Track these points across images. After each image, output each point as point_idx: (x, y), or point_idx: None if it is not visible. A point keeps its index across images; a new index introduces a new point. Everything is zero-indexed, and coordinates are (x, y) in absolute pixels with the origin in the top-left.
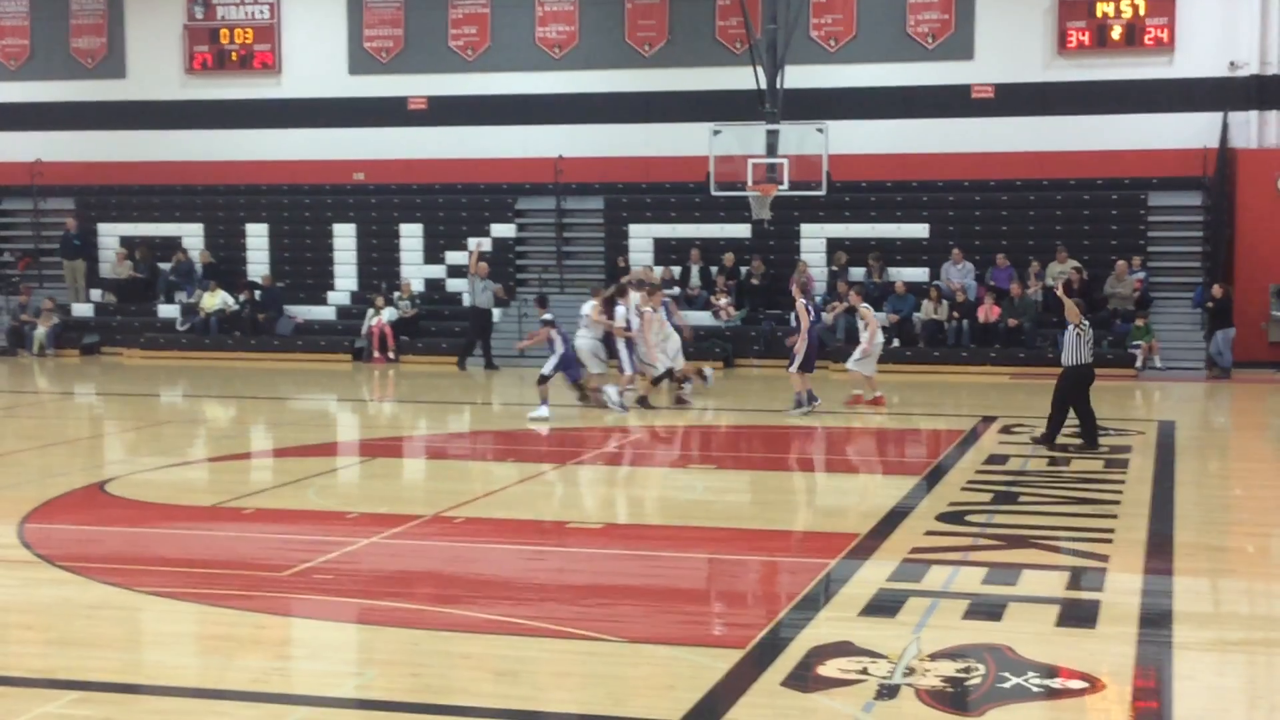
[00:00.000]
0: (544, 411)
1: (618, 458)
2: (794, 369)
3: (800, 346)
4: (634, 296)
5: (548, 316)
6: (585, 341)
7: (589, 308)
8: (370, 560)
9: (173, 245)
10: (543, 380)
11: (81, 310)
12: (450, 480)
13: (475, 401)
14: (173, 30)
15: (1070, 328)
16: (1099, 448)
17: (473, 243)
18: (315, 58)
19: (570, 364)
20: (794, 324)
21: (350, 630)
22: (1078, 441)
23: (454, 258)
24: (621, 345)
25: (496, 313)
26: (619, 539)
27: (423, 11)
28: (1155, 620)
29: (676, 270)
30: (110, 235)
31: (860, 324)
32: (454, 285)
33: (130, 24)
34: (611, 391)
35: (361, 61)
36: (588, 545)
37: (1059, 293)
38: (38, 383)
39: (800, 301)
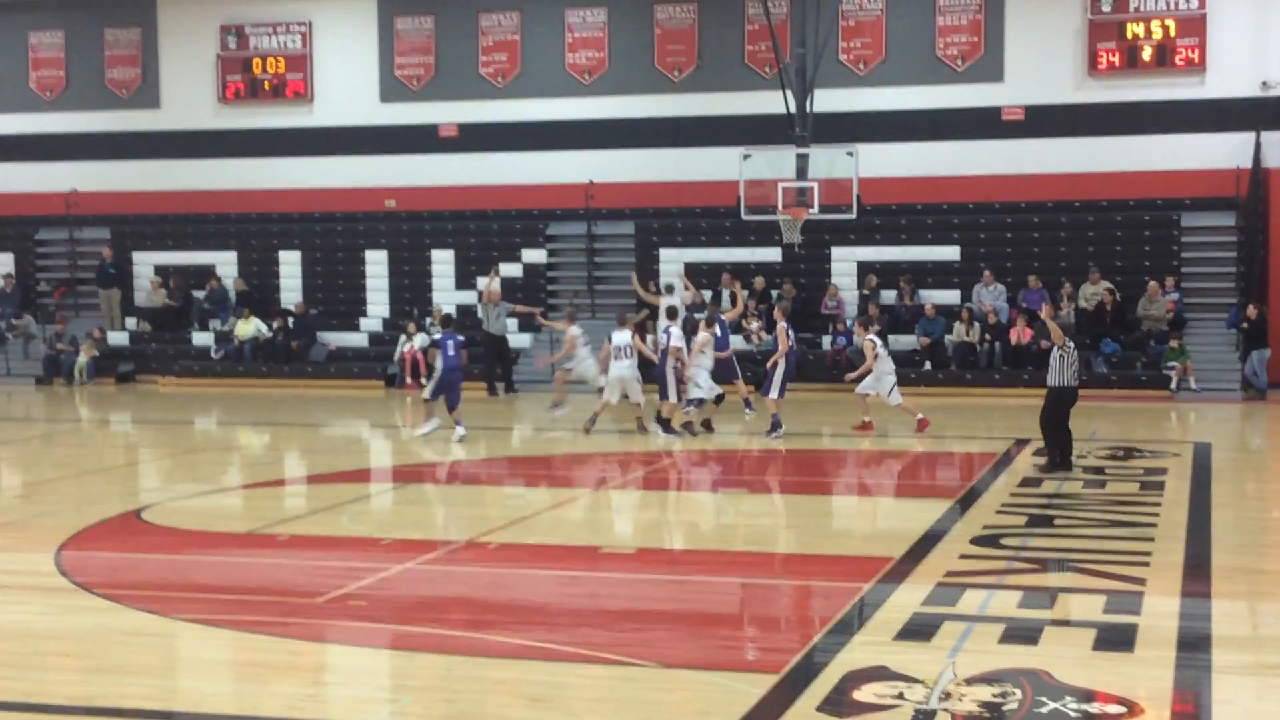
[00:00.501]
0: (428, 427)
1: (650, 482)
2: (773, 394)
3: (779, 371)
4: (663, 322)
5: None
6: (625, 370)
7: (625, 338)
8: (404, 586)
9: (206, 273)
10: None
11: (117, 339)
12: (483, 505)
13: (507, 426)
14: (206, 60)
15: (1055, 350)
16: (1071, 470)
17: (481, 282)
18: (347, 86)
19: (450, 387)
20: (773, 346)
21: (385, 656)
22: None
23: (485, 284)
24: (670, 371)
25: (527, 338)
26: (652, 563)
27: (453, 39)
28: (1193, 644)
29: (707, 294)
30: (145, 264)
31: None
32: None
33: (164, 55)
34: (658, 425)
35: (393, 89)
36: (621, 570)
37: (1043, 315)
38: (74, 411)
39: (780, 325)
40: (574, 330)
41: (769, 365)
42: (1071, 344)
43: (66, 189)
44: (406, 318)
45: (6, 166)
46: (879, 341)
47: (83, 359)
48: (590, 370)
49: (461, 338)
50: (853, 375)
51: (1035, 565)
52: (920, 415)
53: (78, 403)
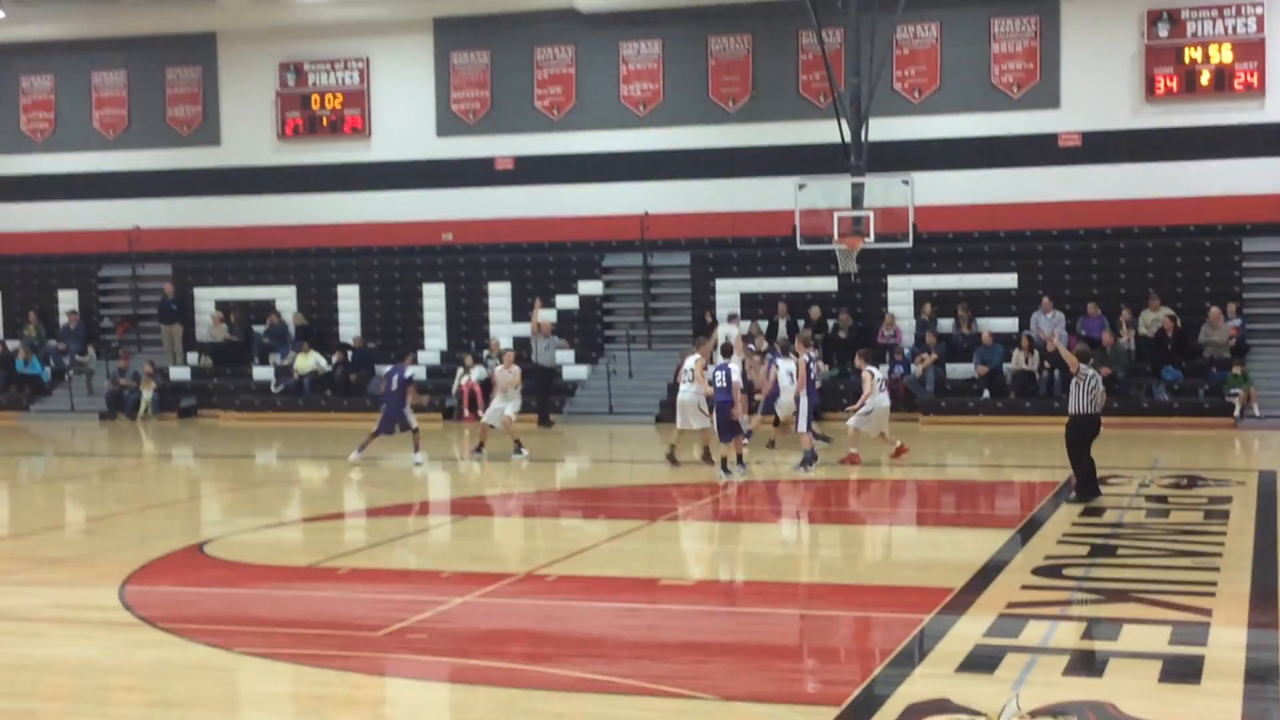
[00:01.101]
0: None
1: (708, 513)
2: (801, 427)
3: (802, 404)
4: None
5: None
6: (688, 395)
7: (693, 361)
8: (464, 619)
9: (266, 308)
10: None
11: (179, 374)
12: (542, 538)
13: (563, 459)
14: (265, 97)
15: (1073, 378)
16: (1098, 497)
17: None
18: (404, 121)
19: (388, 424)
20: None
21: (444, 690)
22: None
23: (542, 315)
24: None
25: (584, 370)
26: (711, 595)
27: (509, 73)
28: (1261, 675)
29: (764, 324)
30: (206, 299)
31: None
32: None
33: (224, 92)
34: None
35: (449, 123)
36: (680, 602)
37: (1051, 347)
38: (137, 446)
39: (802, 358)
40: (501, 371)
41: (794, 398)
42: (1090, 370)
43: (129, 226)
44: (464, 350)
45: (71, 205)
46: (876, 372)
47: (147, 395)
48: (494, 417)
49: (408, 371)
50: (852, 407)
51: (1099, 596)
52: (899, 443)
53: (141, 437)
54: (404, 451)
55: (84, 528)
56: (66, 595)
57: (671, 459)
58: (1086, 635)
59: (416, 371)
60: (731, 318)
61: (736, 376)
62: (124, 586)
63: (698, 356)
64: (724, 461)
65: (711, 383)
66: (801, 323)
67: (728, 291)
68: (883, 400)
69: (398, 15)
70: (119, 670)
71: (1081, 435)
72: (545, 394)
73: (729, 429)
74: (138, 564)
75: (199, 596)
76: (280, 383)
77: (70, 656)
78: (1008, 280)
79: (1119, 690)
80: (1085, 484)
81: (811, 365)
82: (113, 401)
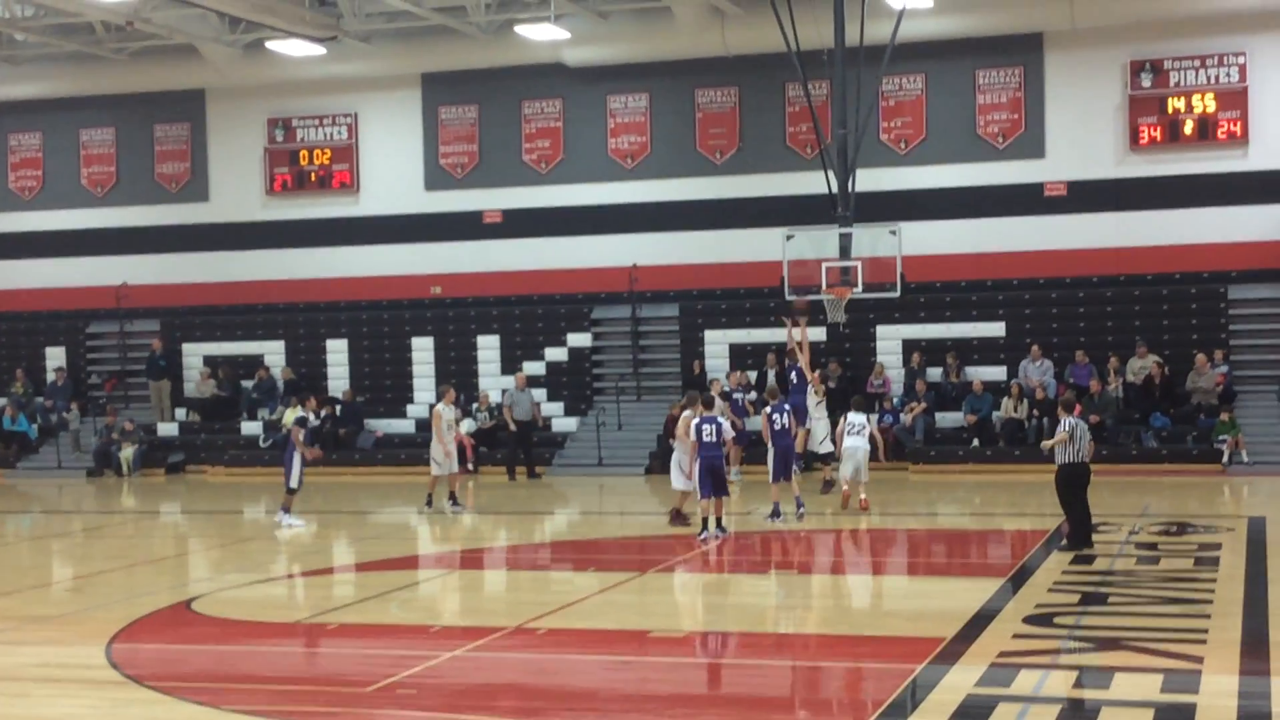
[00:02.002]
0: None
1: (697, 565)
2: (771, 479)
3: (769, 458)
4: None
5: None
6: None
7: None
8: (454, 674)
9: (255, 363)
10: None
11: (167, 430)
12: (532, 591)
13: (553, 511)
14: (254, 153)
15: (1059, 428)
16: (1089, 547)
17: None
18: (392, 175)
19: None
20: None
21: None
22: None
23: (531, 368)
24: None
25: (573, 422)
26: (702, 648)
27: (496, 127)
28: None
29: (753, 375)
30: (194, 355)
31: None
32: (535, 396)
33: (213, 149)
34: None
35: (437, 178)
36: (671, 654)
37: (1044, 447)
38: (124, 502)
39: (765, 410)
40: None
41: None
42: (1073, 421)
43: (117, 282)
44: (453, 404)
45: (59, 261)
46: (855, 416)
47: (128, 452)
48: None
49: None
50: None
51: (1090, 644)
52: (864, 497)
53: (127, 494)
54: (395, 505)
55: (71, 585)
56: (53, 654)
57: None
58: (1078, 684)
59: (395, 424)
60: (713, 382)
61: (728, 430)
62: (111, 644)
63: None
64: (704, 520)
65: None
66: (820, 371)
67: (716, 342)
68: (857, 444)
69: (386, 71)
70: None
71: (1073, 484)
72: (516, 448)
73: (719, 485)
74: (125, 621)
75: (187, 654)
76: (269, 438)
77: (57, 716)
78: (996, 329)
79: None
80: (1077, 532)
81: (776, 418)
82: (100, 458)
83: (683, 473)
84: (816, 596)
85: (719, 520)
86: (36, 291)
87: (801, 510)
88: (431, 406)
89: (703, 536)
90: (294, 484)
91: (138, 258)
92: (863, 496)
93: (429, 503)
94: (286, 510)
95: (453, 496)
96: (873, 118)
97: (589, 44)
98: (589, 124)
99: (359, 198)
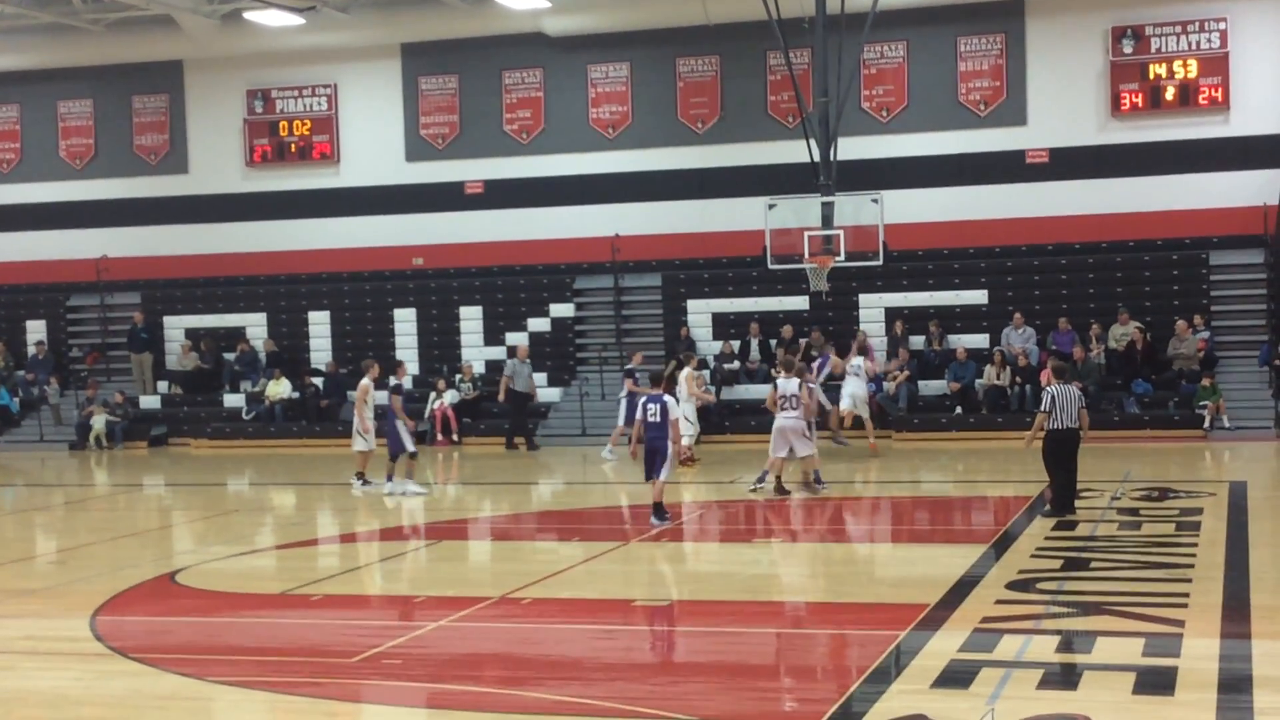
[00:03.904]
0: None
1: (682, 534)
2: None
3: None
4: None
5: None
6: (789, 422)
7: (793, 386)
8: (439, 644)
9: (237, 336)
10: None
11: (149, 402)
12: (516, 561)
13: (537, 481)
14: (233, 125)
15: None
16: (1072, 513)
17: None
18: (373, 146)
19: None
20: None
21: (420, 715)
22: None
23: (514, 339)
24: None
25: (556, 393)
26: (686, 616)
27: (477, 97)
28: (1235, 686)
29: (736, 344)
30: (176, 328)
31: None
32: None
33: (192, 120)
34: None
35: (418, 148)
36: (655, 623)
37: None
38: (107, 475)
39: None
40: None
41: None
42: (1062, 385)
43: (97, 255)
44: (436, 375)
45: (38, 235)
46: (814, 387)
47: (99, 424)
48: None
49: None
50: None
51: (1073, 609)
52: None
53: (110, 467)
54: (378, 477)
55: (55, 558)
56: (37, 626)
57: (780, 489)
58: (1061, 649)
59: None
60: (634, 355)
61: (675, 410)
62: (95, 617)
63: (798, 381)
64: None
65: (644, 418)
66: (804, 340)
67: (699, 312)
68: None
69: (365, 41)
70: (91, 701)
71: (1062, 450)
72: (519, 417)
73: (663, 466)
74: (109, 594)
75: (171, 626)
76: (252, 410)
77: (41, 688)
78: (978, 296)
79: (1094, 703)
80: (1060, 498)
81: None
82: (82, 432)
83: (689, 422)
84: (799, 564)
85: (659, 505)
86: (16, 264)
87: (821, 485)
88: (359, 382)
89: (658, 526)
90: (412, 448)
91: (118, 230)
92: (871, 441)
93: (389, 477)
94: (410, 476)
95: (360, 475)
96: (854, 86)
97: (569, 13)
98: (570, 94)
99: (339, 169)
